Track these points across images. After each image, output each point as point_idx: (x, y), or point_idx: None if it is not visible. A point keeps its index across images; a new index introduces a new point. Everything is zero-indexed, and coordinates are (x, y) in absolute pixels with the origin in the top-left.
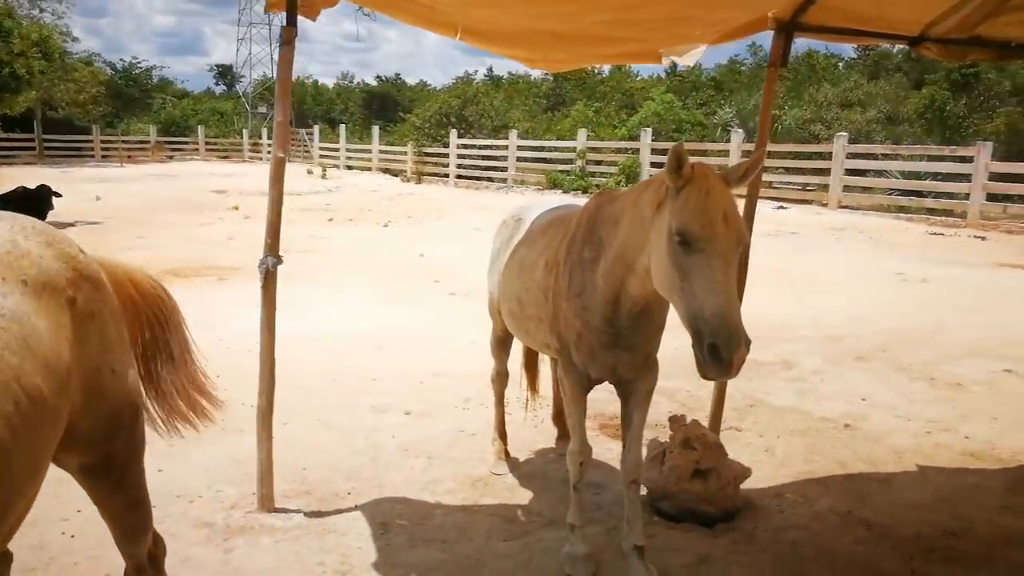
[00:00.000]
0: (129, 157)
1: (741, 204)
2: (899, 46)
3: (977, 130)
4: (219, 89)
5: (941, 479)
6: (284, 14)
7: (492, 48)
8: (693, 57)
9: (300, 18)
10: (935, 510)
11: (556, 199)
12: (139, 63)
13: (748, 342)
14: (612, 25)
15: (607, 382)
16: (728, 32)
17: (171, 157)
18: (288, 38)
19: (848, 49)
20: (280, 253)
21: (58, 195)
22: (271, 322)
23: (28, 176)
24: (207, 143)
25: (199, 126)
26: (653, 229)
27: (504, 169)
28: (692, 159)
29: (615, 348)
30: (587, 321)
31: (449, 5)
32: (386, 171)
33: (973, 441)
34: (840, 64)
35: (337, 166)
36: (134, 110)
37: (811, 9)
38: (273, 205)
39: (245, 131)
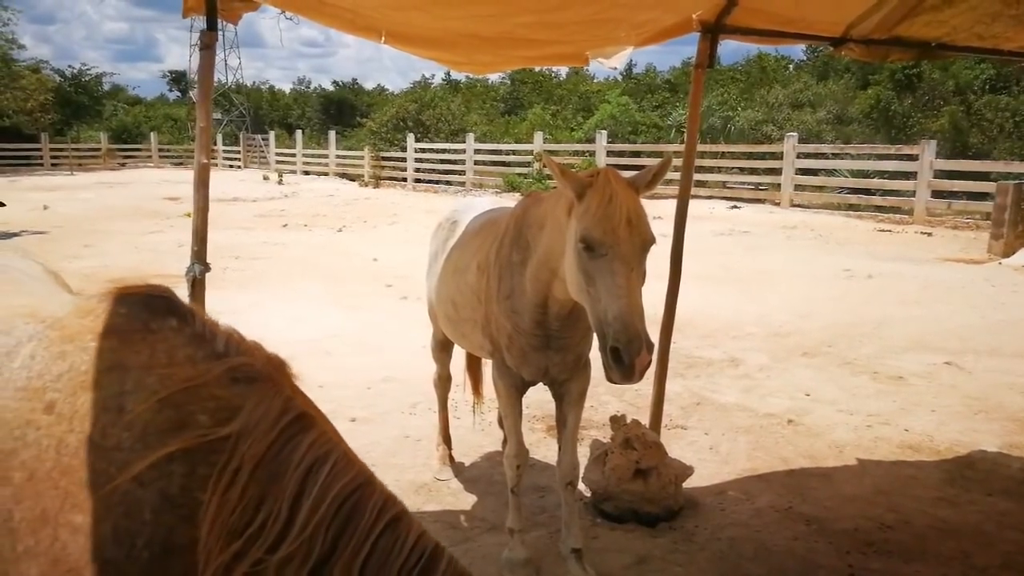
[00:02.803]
0: (80, 165)
1: (671, 205)
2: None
3: (922, 128)
4: (173, 95)
5: (880, 472)
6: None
7: (417, 51)
8: (620, 59)
9: (245, 22)
10: (873, 503)
11: (489, 201)
12: (89, 70)
13: (651, 347)
14: (535, 27)
15: (542, 383)
16: (654, 34)
17: (123, 164)
18: (208, 42)
19: (798, 51)
20: (235, 258)
21: (1, 204)
22: None
23: None
24: (160, 150)
25: (152, 132)
26: (567, 234)
27: (462, 172)
28: (602, 167)
29: (546, 350)
30: (517, 324)
31: (370, 8)
32: (343, 176)
33: (912, 433)
34: (790, 66)
35: (294, 171)
36: (84, 117)
37: (734, 11)
38: (199, 211)
39: None
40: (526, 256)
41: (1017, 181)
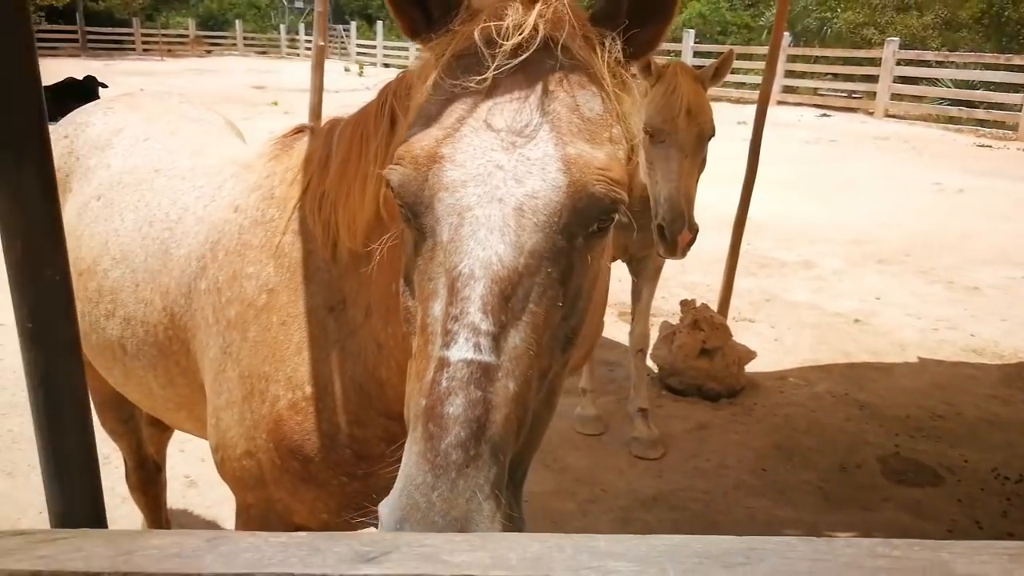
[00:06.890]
0: (169, 51)
1: (750, 106)
2: None
3: None
4: None
5: (939, 370)
6: None
7: None
8: None
9: None
10: (928, 396)
11: None
12: None
13: (694, 228)
14: None
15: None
16: None
17: (209, 52)
18: None
19: None
20: None
21: (104, 86)
22: None
23: (73, 68)
24: (245, 38)
25: (237, 20)
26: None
27: None
28: (670, 59)
29: (627, 229)
30: None
31: None
32: None
33: (978, 339)
34: None
35: (374, 64)
36: (172, 3)
37: None
38: (315, 90)
39: (283, 26)
40: None
41: None
